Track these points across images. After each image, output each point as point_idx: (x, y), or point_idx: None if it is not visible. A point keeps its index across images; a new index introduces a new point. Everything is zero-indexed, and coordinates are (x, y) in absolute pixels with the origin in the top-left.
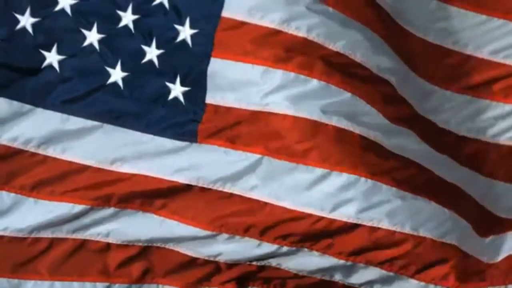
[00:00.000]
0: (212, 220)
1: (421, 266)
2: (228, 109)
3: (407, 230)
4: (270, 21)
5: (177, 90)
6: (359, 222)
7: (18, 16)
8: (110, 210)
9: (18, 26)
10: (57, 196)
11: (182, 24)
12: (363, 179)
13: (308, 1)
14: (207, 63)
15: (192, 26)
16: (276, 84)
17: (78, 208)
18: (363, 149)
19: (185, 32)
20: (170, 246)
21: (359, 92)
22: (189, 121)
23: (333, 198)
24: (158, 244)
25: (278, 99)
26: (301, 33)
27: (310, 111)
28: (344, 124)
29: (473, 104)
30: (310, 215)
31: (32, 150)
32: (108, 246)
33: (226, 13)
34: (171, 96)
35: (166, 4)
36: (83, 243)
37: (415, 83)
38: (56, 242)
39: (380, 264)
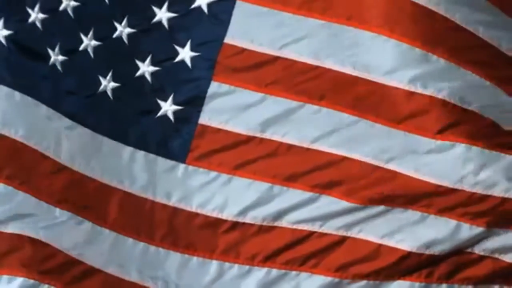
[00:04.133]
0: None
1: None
2: (225, 132)
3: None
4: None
5: (167, 107)
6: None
7: (29, 10)
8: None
9: (30, 20)
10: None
11: (182, 45)
12: None
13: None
14: (207, 85)
15: (193, 49)
16: (276, 111)
17: (83, 223)
18: None
19: (185, 53)
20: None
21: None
22: (180, 140)
23: None
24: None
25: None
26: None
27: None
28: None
29: None
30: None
31: (29, 144)
32: None
33: (230, 39)
34: (160, 113)
35: (165, 23)
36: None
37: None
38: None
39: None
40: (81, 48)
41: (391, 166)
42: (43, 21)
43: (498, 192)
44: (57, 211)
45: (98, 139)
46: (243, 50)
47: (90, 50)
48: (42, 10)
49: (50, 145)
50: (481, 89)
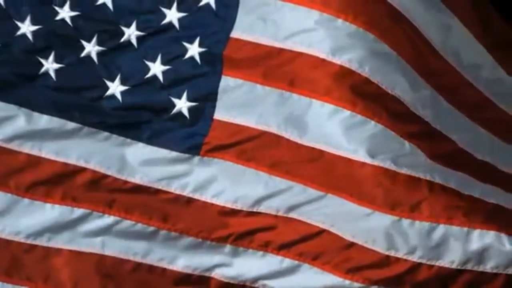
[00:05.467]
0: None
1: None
2: (237, 126)
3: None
4: (280, 42)
5: (182, 104)
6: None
7: (18, 23)
8: (110, 219)
9: (18, 32)
10: (54, 199)
11: (190, 42)
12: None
13: (317, 18)
14: (217, 80)
15: (201, 45)
16: (285, 106)
17: (77, 212)
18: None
19: (194, 50)
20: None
21: (391, 126)
22: (194, 135)
23: None
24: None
25: (284, 121)
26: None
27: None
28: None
29: None
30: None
31: (26, 151)
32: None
33: (236, 33)
34: (174, 110)
35: (176, 23)
36: (79, 254)
37: (450, 114)
38: (52, 252)
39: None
40: (82, 54)
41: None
42: (34, 33)
43: None
44: (48, 206)
45: (103, 136)
46: (249, 43)
47: (94, 56)
48: (33, 22)
49: (39, 146)
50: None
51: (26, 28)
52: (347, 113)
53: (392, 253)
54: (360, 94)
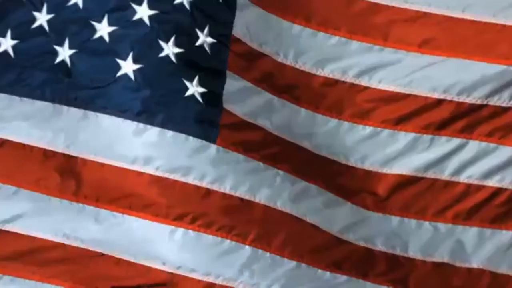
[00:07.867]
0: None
1: None
2: (247, 123)
3: None
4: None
5: (194, 89)
6: None
7: (36, 14)
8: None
9: (36, 24)
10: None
11: (201, 29)
12: None
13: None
14: (224, 74)
15: (211, 35)
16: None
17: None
18: None
19: (204, 38)
20: None
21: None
22: (207, 121)
23: None
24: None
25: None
26: None
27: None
28: None
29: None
30: None
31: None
32: None
33: (235, 32)
34: (188, 93)
35: (187, 5)
36: None
37: None
38: None
39: None
40: (95, 36)
41: None
42: (49, 21)
43: None
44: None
45: (117, 123)
46: (246, 45)
47: (105, 36)
48: (48, 10)
49: (58, 140)
50: None
51: (44, 18)
52: None
53: (396, 252)
54: None
